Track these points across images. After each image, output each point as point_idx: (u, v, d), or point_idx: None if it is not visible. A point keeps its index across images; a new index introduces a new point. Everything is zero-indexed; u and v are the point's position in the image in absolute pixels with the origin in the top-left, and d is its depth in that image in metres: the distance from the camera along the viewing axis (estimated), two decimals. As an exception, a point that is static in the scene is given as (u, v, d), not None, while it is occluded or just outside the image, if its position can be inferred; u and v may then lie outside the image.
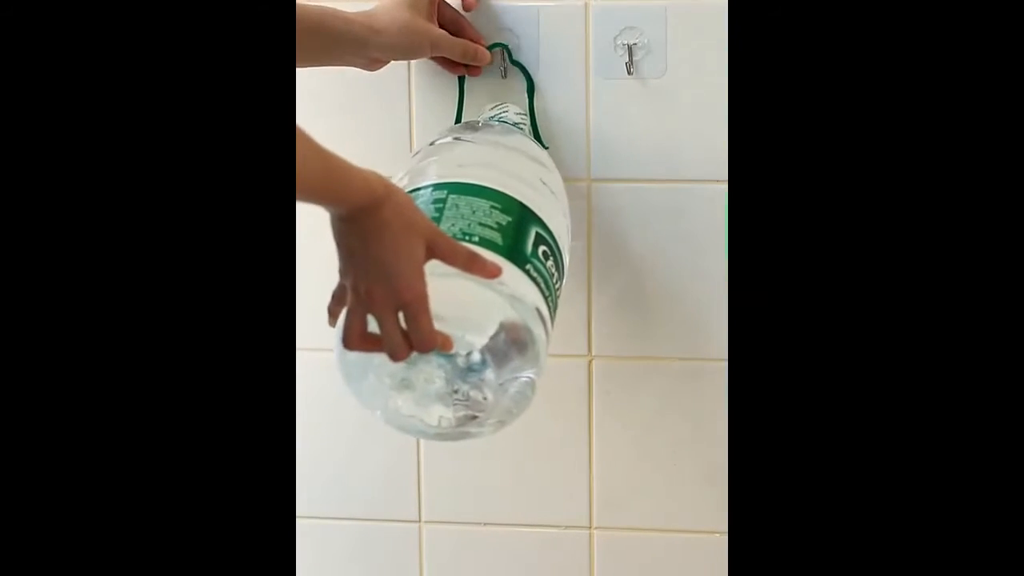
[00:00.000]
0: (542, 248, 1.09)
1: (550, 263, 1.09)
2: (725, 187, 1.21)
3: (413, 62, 1.26)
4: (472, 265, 1.03)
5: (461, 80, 1.25)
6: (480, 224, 1.06)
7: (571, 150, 1.25)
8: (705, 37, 1.22)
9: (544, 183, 1.16)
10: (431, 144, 1.18)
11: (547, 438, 1.28)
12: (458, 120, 1.25)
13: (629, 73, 1.24)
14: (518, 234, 1.07)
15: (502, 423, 1.06)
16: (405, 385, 1.04)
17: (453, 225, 1.06)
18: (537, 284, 1.06)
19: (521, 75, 1.24)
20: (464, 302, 1.03)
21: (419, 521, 1.32)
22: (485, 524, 1.31)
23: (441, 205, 1.07)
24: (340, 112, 1.27)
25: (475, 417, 1.05)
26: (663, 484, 1.28)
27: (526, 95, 1.24)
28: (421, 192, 1.09)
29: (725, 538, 1.20)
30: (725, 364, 1.21)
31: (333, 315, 1.04)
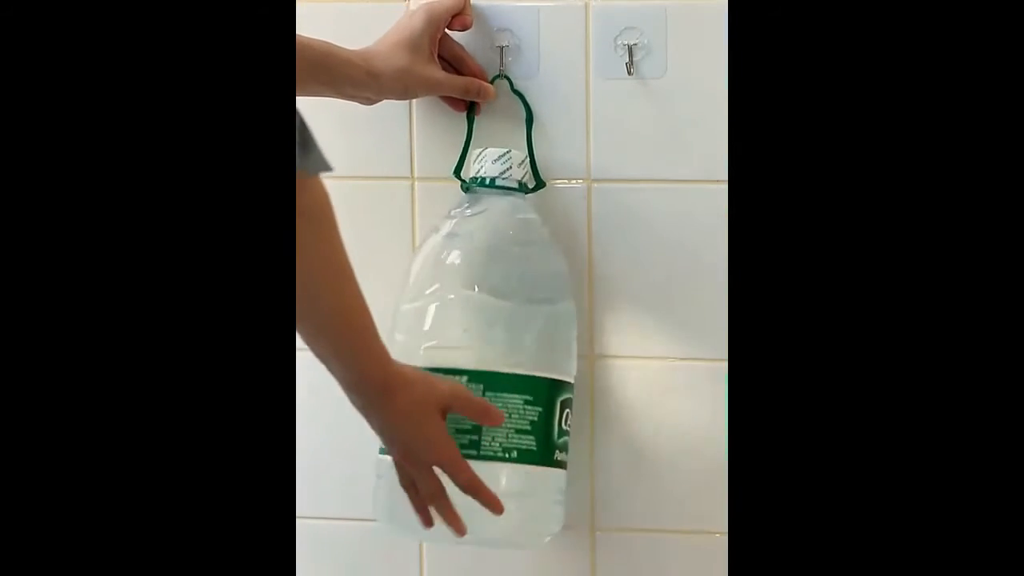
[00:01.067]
0: (566, 412, 1.20)
1: (570, 419, 1.21)
2: (725, 187, 1.21)
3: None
4: (484, 416, 1.13)
5: (470, 119, 1.25)
6: (516, 432, 1.17)
7: (571, 150, 1.25)
8: (705, 37, 1.22)
9: (556, 305, 1.22)
10: (437, 259, 1.21)
11: (547, 438, 1.27)
12: (463, 157, 1.25)
13: (629, 73, 1.24)
14: (548, 424, 1.19)
15: None
16: None
17: (493, 440, 1.16)
18: (561, 466, 1.20)
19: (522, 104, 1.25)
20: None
21: (419, 521, 1.32)
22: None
23: None
24: (336, 136, 1.27)
25: None
26: (663, 484, 1.28)
27: (524, 126, 1.25)
28: (452, 377, 1.16)
29: (725, 538, 1.20)
30: (725, 364, 1.21)
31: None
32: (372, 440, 1.22)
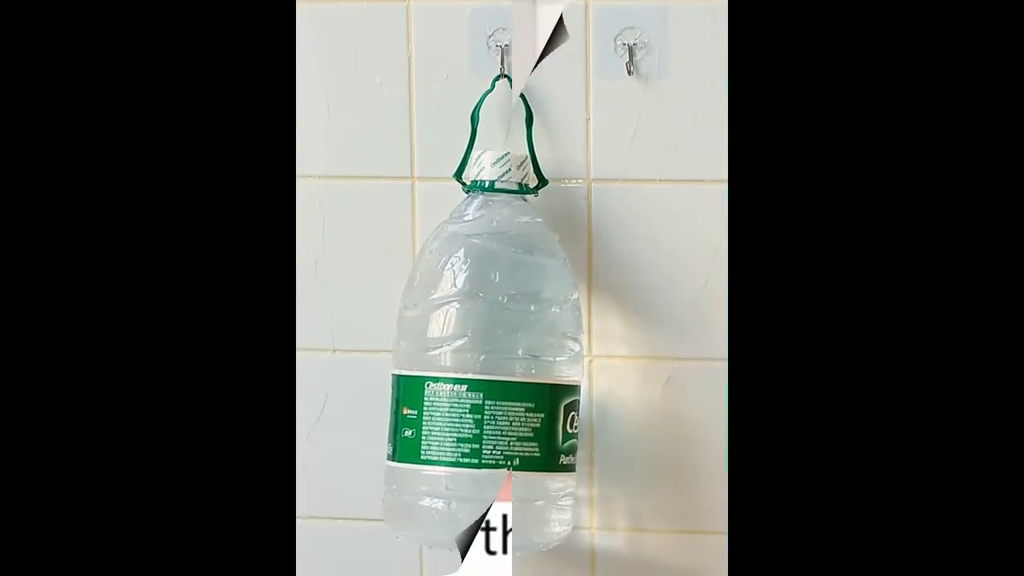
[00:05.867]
0: (571, 415, 1.19)
1: (576, 421, 1.20)
2: (725, 187, 1.21)
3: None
4: None
5: (475, 120, 1.24)
6: (518, 439, 1.16)
7: (571, 150, 1.25)
8: (705, 37, 1.22)
9: (559, 307, 1.22)
10: (438, 264, 1.20)
11: (547, 438, 1.27)
12: (465, 159, 1.24)
13: (629, 73, 1.24)
14: (551, 429, 1.18)
15: None
16: None
17: (495, 448, 1.15)
18: (568, 469, 1.20)
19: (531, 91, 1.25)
20: None
21: (419, 521, 1.32)
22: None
23: (479, 416, 1.16)
24: (336, 136, 1.27)
25: None
26: (663, 484, 1.28)
27: (524, 126, 1.25)
28: (451, 386, 1.16)
29: (725, 538, 1.20)
30: (725, 364, 1.21)
31: None
32: (372, 439, 1.22)
